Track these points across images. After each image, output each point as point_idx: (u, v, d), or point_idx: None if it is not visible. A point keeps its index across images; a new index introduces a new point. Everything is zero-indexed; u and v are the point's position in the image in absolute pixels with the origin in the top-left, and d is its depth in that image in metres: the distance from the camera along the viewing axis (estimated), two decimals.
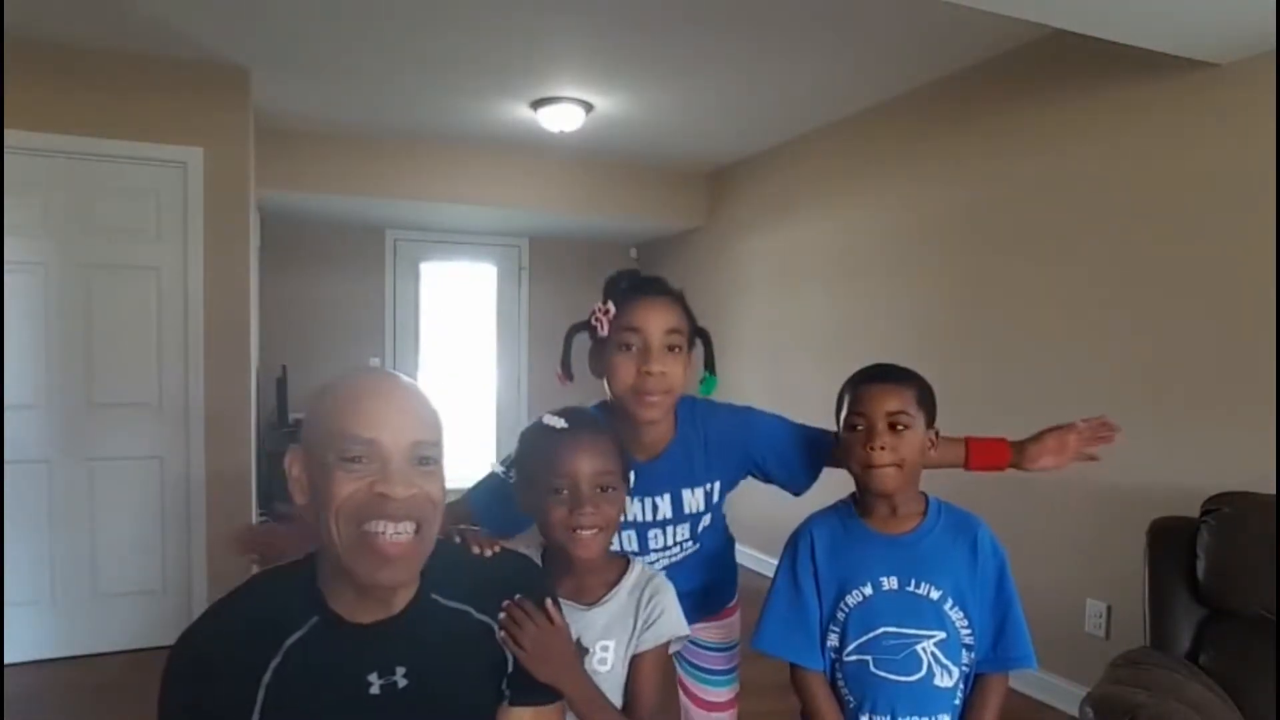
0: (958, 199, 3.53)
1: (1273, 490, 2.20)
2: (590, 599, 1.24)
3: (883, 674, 1.32)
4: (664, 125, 4.36)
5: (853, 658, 1.34)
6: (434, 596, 1.06)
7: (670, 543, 1.51)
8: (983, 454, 1.58)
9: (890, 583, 1.33)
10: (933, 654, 1.32)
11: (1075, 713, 1.88)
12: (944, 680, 1.33)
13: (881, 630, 1.33)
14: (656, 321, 1.36)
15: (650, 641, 1.23)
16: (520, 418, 6.22)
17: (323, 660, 1.00)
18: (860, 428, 1.33)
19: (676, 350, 1.37)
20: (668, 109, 4.10)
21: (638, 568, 1.29)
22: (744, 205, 5.12)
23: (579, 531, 1.18)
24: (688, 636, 1.31)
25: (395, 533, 0.96)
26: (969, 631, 1.34)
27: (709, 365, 1.52)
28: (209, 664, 0.99)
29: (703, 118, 4.26)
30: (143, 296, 3.47)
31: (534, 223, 5.71)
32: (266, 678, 0.98)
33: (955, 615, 1.34)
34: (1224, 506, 2.11)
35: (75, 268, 3.38)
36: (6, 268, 3.24)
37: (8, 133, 3.17)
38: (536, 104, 3.98)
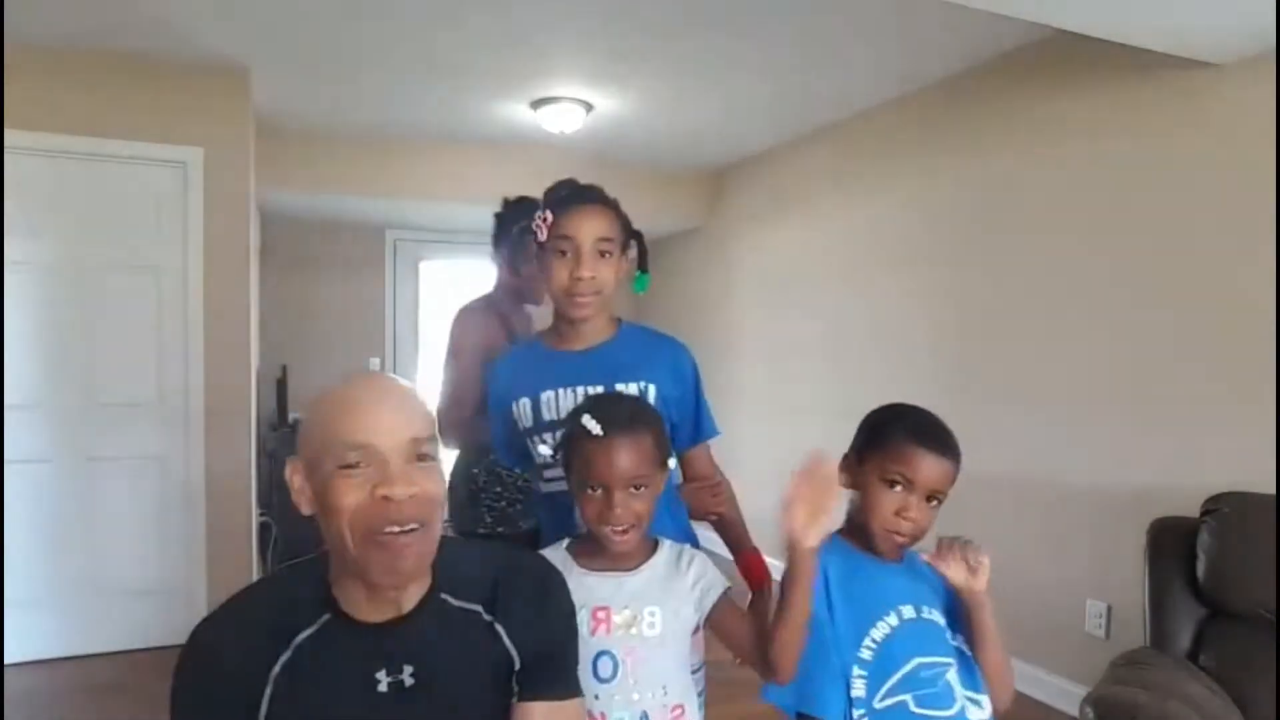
0: (957, 199, 3.53)
1: (1273, 490, 2.20)
2: (630, 565, 1.30)
3: (925, 712, 1.22)
4: (664, 125, 4.36)
5: (888, 701, 1.22)
6: (443, 596, 1.08)
7: None
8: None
9: (908, 610, 1.27)
10: (958, 684, 1.26)
11: (1075, 713, 1.88)
12: (976, 715, 1.25)
13: (916, 662, 1.23)
14: (588, 230, 1.47)
15: (713, 597, 1.29)
16: None
17: (332, 657, 1.02)
18: (898, 489, 1.26)
19: (607, 255, 1.49)
20: (668, 109, 4.10)
21: (668, 542, 1.36)
22: (744, 205, 5.12)
23: (611, 528, 1.25)
24: (730, 587, 1.35)
25: (404, 532, 0.98)
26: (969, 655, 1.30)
27: (641, 265, 1.64)
28: (220, 657, 1.01)
29: (703, 118, 4.26)
30: (143, 296, 3.47)
31: None
32: (275, 671, 1.00)
33: (957, 641, 1.29)
34: (1224, 506, 2.11)
35: (75, 268, 3.38)
36: (7, 268, 3.24)
37: (8, 133, 3.17)
38: (536, 104, 3.98)
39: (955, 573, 1.26)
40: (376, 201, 4.88)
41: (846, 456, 1.33)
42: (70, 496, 3.41)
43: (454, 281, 6.16)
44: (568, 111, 3.97)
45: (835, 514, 1.19)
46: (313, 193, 4.64)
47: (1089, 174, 2.97)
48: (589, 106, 4.00)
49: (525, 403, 1.53)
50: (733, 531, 1.68)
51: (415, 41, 3.25)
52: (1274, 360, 2.41)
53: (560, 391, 1.50)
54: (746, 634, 1.28)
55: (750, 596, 1.60)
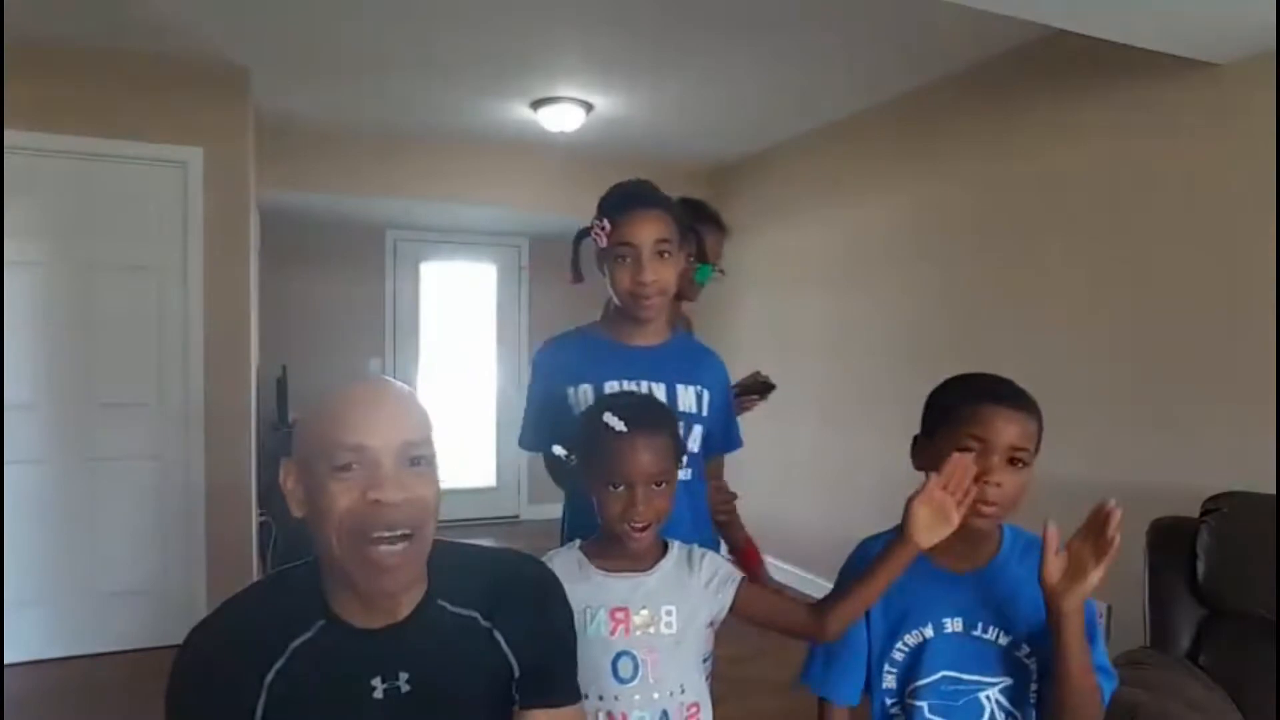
0: (957, 199, 3.53)
1: (1273, 490, 2.20)
2: (645, 565, 1.31)
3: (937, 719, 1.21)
4: (664, 125, 4.36)
5: (911, 701, 1.24)
6: (440, 603, 1.07)
7: None
8: None
9: (954, 625, 1.22)
10: (997, 702, 1.21)
11: None
12: None
13: (940, 675, 1.21)
14: (646, 234, 1.50)
15: (732, 588, 1.31)
16: (521, 418, 6.21)
17: (327, 663, 1.01)
18: (975, 452, 1.17)
19: (666, 255, 1.52)
20: (668, 109, 4.10)
21: (677, 542, 1.36)
22: (744, 205, 5.12)
23: (633, 525, 1.25)
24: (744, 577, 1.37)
25: (391, 538, 0.97)
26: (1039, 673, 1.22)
27: (700, 257, 1.73)
28: (215, 663, 1.01)
29: (703, 118, 4.26)
30: (143, 296, 3.47)
31: (534, 223, 5.70)
32: (270, 677, 0.99)
33: (1030, 662, 1.22)
34: (1224, 506, 2.10)
35: (75, 268, 3.38)
36: (6, 268, 3.24)
37: (8, 133, 3.17)
38: (536, 104, 3.98)
39: (1053, 570, 1.19)
40: (376, 201, 4.88)
41: (917, 439, 1.28)
42: (69, 497, 3.41)
43: (453, 282, 6.19)
44: (568, 111, 3.97)
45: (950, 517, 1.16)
46: (313, 193, 4.64)
47: (1088, 174, 2.97)
48: (589, 106, 4.00)
49: (587, 389, 1.55)
50: (736, 531, 1.84)
51: (415, 41, 3.25)
52: (1274, 360, 2.41)
53: (624, 384, 1.54)
54: (779, 605, 1.32)
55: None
